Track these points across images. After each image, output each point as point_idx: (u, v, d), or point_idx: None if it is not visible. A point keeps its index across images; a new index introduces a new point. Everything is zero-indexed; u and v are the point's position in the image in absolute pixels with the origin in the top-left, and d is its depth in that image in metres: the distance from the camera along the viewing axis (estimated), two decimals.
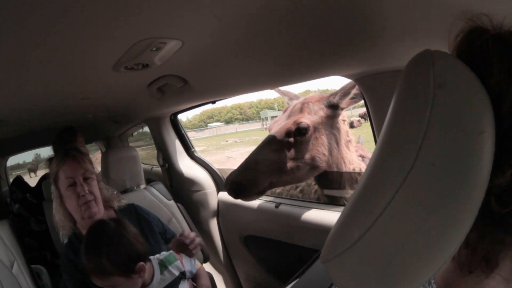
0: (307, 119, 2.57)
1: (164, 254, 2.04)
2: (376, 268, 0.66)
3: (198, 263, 2.13)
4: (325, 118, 2.62)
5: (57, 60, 1.50)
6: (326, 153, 2.63)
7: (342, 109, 2.64)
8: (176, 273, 1.96)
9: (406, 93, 0.70)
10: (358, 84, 2.00)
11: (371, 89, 1.94)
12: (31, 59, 1.45)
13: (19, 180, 5.35)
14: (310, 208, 2.80)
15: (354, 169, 2.71)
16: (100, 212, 2.25)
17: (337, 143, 2.68)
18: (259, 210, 3.18)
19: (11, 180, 5.78)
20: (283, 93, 3.12)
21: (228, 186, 2.62)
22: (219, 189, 3.81)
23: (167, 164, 3.92)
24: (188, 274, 2.02)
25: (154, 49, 1.47)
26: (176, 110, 3.63)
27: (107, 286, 1.79)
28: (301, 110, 2.65)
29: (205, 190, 3.72)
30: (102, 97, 2.47)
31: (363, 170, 2.73)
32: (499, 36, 0.68)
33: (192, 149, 4.00)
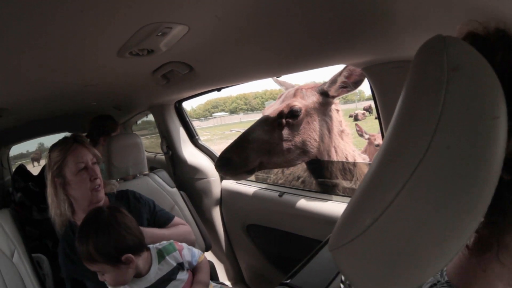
0: (299, 103, 2.64)
1: (164, 243, 2.03)
2: (386, 256, 0.65)
3: (201, 256, 2.11)
4: (317, 104, 2.68)
5: (61, 46, 1.50)
6: (317, 139, 2.68)
7: (333, 97, 2.68)
8: (174, 263, 1.96)
9: (419, 77, 0.68)
10: (366, 73, 1.97)
11: (379, 79, 1.92)
12: (34, 47, 1.45)
13: (21, 168, 5.36)
14: (315, 198, 2.80)
15: (347, 159, 2.76)
16: (103, 197, 2.29)
17: (329, 131, 2.73)
18: (263, 199, 3.18)
19: (13, 169, 5.78)
20: (280, 83, 3.19)
21: (218, 162, 2.64)
22: (222, 177, 3.77)
23: (170, 152, 3.92)
24: (186, 265, 2.01)
25: (159, 34, 1.45)
26: (181, 98, 3.61)
27: (96, 271, 1.81)
28: (294, 95, 2.72)
29: (209, 178, 3.71)
30: (106, 84, 2.47)
31: (357, 160, 2.83)
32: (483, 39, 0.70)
33: (196, 137, 3.98)
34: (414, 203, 0.60)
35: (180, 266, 1.96)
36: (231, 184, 3.66)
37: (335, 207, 2.60)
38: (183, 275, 1.96)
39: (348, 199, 2.60)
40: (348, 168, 2.75)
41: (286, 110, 2.62)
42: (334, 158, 2.73)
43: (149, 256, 1.92)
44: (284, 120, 2.61)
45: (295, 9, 1.34)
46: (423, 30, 1.34)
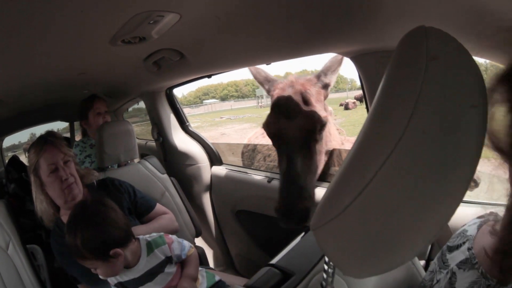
0: (320, 111, 2.26)
1: (153, 235, 2.05)
2: (364, 236, 0.69)
3: (191, 249, 2.09)
4: (323, 100, 2.43)
5: (54, 35, 1.52)
6: (332, 137, 2.55)
7: (330, 86, 2.48)
8: (162, 257, 1.97)
9: (399, 64, 0.74)
10: (354, 62, 1.99)
11: (367, 68, 1.94)
12: (27, 35, 1.46)
13: (14, 160, 5.34)
14: None
15: (336, 142, 2.69)
16: (80, 192, 2.29)
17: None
18: (252, 184, 3.21)
19: (6, 161, 5.76)
20: (255, 74, 2.68)
21: (299, 219, 2.12)
22: (212, 163, 3.85)
23: (161, 138, 3.93)
24: (175, 258, 2.01)
25: (151, 22, 1.48)
26: (172, 84, 3.61)
27: (88, 266, 1.83)
28: (307, 102, 2.27)
29: (199, 164, 3.74)
30: (98, 71, 2.49)
31: (344, 142, 2.79)
32: None
33: (187, 124, 3.99)
34: (391, 184, 0.65)
35: (168, 260, 1.98)
36: (221, 170, 3.69)
37: (322, 192, 2.55)
38: (171, 268, 1.97)
39: None
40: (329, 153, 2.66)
41: (318, 126, 2.23)
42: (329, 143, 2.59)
43: (138, 247, 1.94)
44: (317, 136, 2.26)
45: None
46: (409, 21, 1.36)
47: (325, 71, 2.44)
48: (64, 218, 2.27)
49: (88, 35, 1.60)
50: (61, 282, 2.73)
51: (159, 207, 2.61)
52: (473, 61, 0.67)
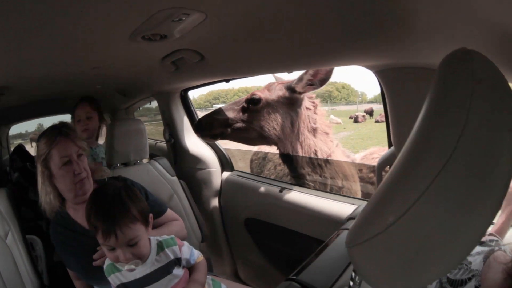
0: (262, 93, 3.11)
1: (165, 236, 2.01)
2: (405, 254, 0.71)
3: (200, 257, 2.07)
4: (282, 98, 3.07)
5: (71, 26, 1.48)
6: (277, 128, 3.06)
7: (300, 93, 3.01)
8: (172, 257, 1.93)
9: (446, 86, 0.74)
10: (378, 76, 1.97)
11: (391, 83, 1.91)
12: (42, 25, 1.42)
13: (20, 148, 5.33)
14: (316, 195, 2.80)
15: (316, 155, 3.04)
16: (91, 187, 2.23)
17: (292, 125, 3.08)
18: (263, 193, 3.18)
19: (12, 149, 5.75)
20: (275, 78, 3.56)
21: (194, 123, 3.48)
22: (223, 168, 3.80)
23: (173, 140, 3.91)
24: (183, 262, 1.97)
25: (176, 19, 1.43)
26: (188, 86, 3.60)
27: (131, 237, 1.75)
28: (264, 88, 3.19)
29: (209, 169, 3.72)
30: (114, 67, 2.44)
31: (330, 155, 3.09)
32: None
33: None
34: (436, 204, 0.67)
35: (177, 261, 1.94)
36: (231, 176, 3.67)
37: (336, 206, 2.60)
38: (179, 271, 1.93)
39: (350, 199, 2.64)
40: (317, 164, 3.04)
41: (249, 97, 3.13)
42: (299, 152, 3.00)
43: (148, 245, 1.89)
44: (245, 105, 3.14)
45: (313, 5, 1.32)
46: (442, 39, 1.34)
47: (296, 79, 3.02)
48: (70, 211, 2.24)
49: (109, 28, 1.55)
50: (59, 274, 2.70)
51: (169, 212, 2.55)
52: (508, 85, 0.69)
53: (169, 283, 1.88)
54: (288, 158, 3.12)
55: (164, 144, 4.21)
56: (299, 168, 3.08)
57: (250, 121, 3.11)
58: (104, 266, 1.90)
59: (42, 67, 2.23)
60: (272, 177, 3.58)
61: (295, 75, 2.82)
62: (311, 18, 1.44)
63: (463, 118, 0.65)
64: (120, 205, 1.75)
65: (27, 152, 5.33)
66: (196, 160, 3.75)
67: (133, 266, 1.78)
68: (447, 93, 0.73)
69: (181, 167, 3.85)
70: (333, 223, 2.45)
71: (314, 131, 3.12)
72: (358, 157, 3.76)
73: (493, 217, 0.68)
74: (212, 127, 3.19)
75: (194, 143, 3.86)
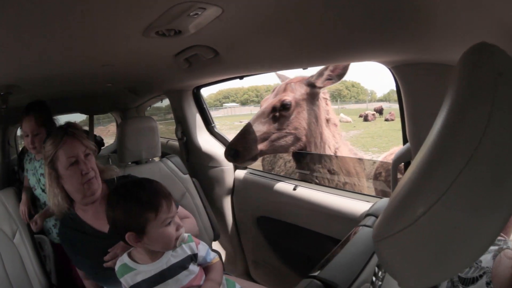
0: (289, 96, 3.08)
1: (181, 232, 1.98)
2: (433, 246, 0.71)
3: (216, 258, 2.05)
4: (305, 95, 3.12)
5: (84, 21, 1.46)
6: (306, 126, 3.11)
7: (320, 87, 3.09)
8: (188, 252, 1.90)
9: (469, 78, 0.75)
10: (394, 72, 1.96)
11: (407, 79, 1.90)
12: (52, 20, 1.40)
13: None
14: (330, 193, 2.79)
15: (326, 145, 3.13)
16: (99, 187, 2.21)
17: (316, 119, 3.14)
18: (276, 191, 3.17)
19: (20, 148, 5.76)
20: (278, 76, 3.66)
21: (226, 153, 3.14)
22: (236, 166, 3.77)
23: (185, 138, 3.90)
24: (200, 259, 1.95)
25: (191, 14, 1.41)
26: (200, 83, 3.59)
27: (177, 213, 1.84)
28: (284, 89, 3.17)
29: (222, 167, 3.70)
30: (125, 64, 2.44)
31: (337, 148, 3.19)
32: None
33: (212, 124, 3.99)
34: (464, 194, 0.67)
35: (193, 257, 1.91)
36: (244, 174, 3.66)
37: (350, 204, 2.58)
38: (195, 268, 1.91)
39: (364, 197, 2.63)
40: (334, 160, 3.12)
41: (278, 105, 3.08)
42: (318, 145, 3.10)
43: None
44: (277, 113, 3.07)
45: (330, 2, 1.33)
46: (459, 35, 1.34)
47: (315, 74, 3.09)
48: (79, 212, 2.21)
49: (121, 24, 1.53)
50: (67, 274, 2.72)
51: (181, 209, 2.50)
52: None
53: (185, 279, 1.86)
54: (309, 156, 3.15)
55: (175, 142, 4.22)
56: (319, 165, 3.12)
57: (284, 127, 3.09)
58: (116, 268, 1.86)
59: (50, 66, 2.22)
60: (282, 173, 3.61)
61: (294, 72, 2.81)
62: (329, 13, 1.42)
63: (488, 109, 0.65)
64: (162, 187, 1.82)
65: None
66: (209, 158, 3.74)
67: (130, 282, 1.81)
68: (470, 86, 0.73)
69: (193, 165, 3.86)
70: (348, 221, 2.44)
71: (327, 121, 3.22)
72: (381, 158, 3.80)
73: (510, 214, 0.67)
74: (251, 149, 3.07)
75: (206, 141, 3.86)
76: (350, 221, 2.36)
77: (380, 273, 0.97)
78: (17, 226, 2.53)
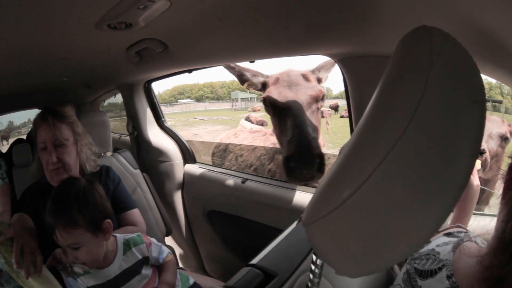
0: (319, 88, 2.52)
1: (131, 235, 1.97)
2: (362, 231, 0.70)
3: (169, 255, 2.03)
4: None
5: (37, 14, 1.47)
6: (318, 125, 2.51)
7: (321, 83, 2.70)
8: (139, 256, 1.89)
9: (404, 58, 0.77)
10: (341, 65, 2.01)
11: (353, 72, 1.96)
12: (6, 12, 1.40)
13: None
14: (278, 186, 2.83)
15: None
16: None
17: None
18: (225, 184, 3.19)
19: None
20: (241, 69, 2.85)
21: (314, 163, 2.15)
22: (185, 161, 3.79)
23: (136, 132, 3.87)
24: (152, 260, 1.94)
25: (141, 7, 1.44)
26: (151, 77, 3.56)
27: (71, 243, 1.68)
28: (307, 79, 2.57)
29: (172, 161, 3.70)
30: (80, 57, 2.42)
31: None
32: None
33: (163, 119, 3.94)
34: (392, 177, 0.66)
35: (145, 260, 1.91)
36: (194, 168, 3.66)
37: (298, 196, 2.62)
38: (147, 270, 1.91)
39: (311, 189, 2.66)
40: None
41: (320, 95, 2.47)
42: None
43: (114, 244, 1.86)
44: (318, 104, 2.47)
45: None
46: (404, 28, 1.33)
47: (319, 68, 2.73)
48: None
49: (75, 16, 1.54)
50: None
51: (136, 213, 2.45)
52: (472, 59, 0.69)
53: (139, 284, 1.86)
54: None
55: (127, 138, 4.17)
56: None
57: (316, 125, 2.38)
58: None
59: (5, 60, 2.20)
60: (233, 168, 3.61)
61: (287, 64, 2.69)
62: (275, 7, 1.46)
63: (420, 89, 0.65)
64: (64, 207, 1.69)
65: None
66: (159, 153, 3.72)
67: (78, 269, 1.77)
68: (404, 65, 0.75)
69: (144, 160, 3.83)
70: (295, 212, 2.47)
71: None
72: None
73: (458, 194, 0.65)
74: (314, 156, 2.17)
75: (156, 135, 3.83)
76: (298, 212, 2.33)
77: (318, 260, 0.98)
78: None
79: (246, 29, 1.77)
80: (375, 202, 0.67)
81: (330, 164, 3.15)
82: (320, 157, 2.16)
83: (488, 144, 2.61)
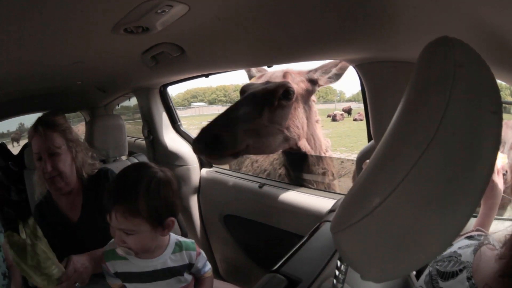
0: (293, 85, 2.52)
1: (184, 238, 1.95)
2: (391, 238, 0.71)
3: (209, 272, 2.01)
4: (304, 91, 2.64)
5: (54, 18, 1.47)
6: (299, 126, 2.62)
7: (320, 86, 2.69)
8: (187, 261, 1.86)
9: (428, 70, 0.77)
10: (359, 70, 1.99)
11: (371, 77, 1.94)
12: (23, 17, 1.41)
13: (2, 147, 5.25)
14: (295, 191, 2.81)
15: (321, 147, 2.81)
16: (68, 185, 2.22)
17: (308, 119, 2.70)
18: (242, 189, 3.18)
19: None
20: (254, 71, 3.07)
21: (201, 139, 2.25)
22: (202, 165, 3.76)
23: (151, 136, 3.86)
24: (195, 270, 1.92)
25: (159, 11, 1.43)
26: (167, 82, 3.57)
27: (124, 228, 1.62)
28: (284, 77, 2.60)
29: (188, 166, 3.69)
30: (95, 61, 2.43)
31: (328, 149, 2.92)
32: None
33: (179, 123, 3.95)
34: (420, 184, 0.68)
35: (190, 267, 1.88)
36: (210, 172, 3.66)
37: (316, 201, 2.60)
38: (189, 276, 1.89)
39: (329, 194, 2.66)
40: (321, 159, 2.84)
41: (280, 90, 2.44)
42: (312, 146, 2.77)
43: (166, 241, 1.83)
44: (276, 101, 2.43)
45: (295, 0, 1.36)
46: (422, 33, 1.36)
47: (316, 70, 2.68)
48: (54, 195, 2.26)
49: (92, 20, 1.53)
50: None
51: None
52: (490, 70, 0.71)
53: (176, 285, 1.84)
54: (295, 158, 2.83)
55: (142, 142, 4.19)
56: (312, 167, 2.84)
57: (279, 121, 2.45)
58: (107, 248, 1.82)
59: (21, 62, 2.20)
60: (249, 173, 3.58)
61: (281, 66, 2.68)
62: (294, 11, 1.45)
63: (445, 100, 0.67)
64: (130, 194, 1.61)
65: (9, 151, 5.25)
66: (175, 157, 3.72)
67: (121, 252, 1.69)
68: (429, 77, 0.75)
69: (160, 164, 3.75)
70: (313, 218, 2.45)
71: (316, 123, 2.84)
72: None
73: (479, 198, 0.68)
74: (237, 140, 2.26)
75: (172, 139, 3.83)
76: (316, 217, 2.36)
77: (342, 266, 0.98)
78: None
79: (263, 34, 1.77)
80: (403, 208, 0.69)
81: (343, 168, 3.14)
82: (216, 138, 2.21)
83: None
